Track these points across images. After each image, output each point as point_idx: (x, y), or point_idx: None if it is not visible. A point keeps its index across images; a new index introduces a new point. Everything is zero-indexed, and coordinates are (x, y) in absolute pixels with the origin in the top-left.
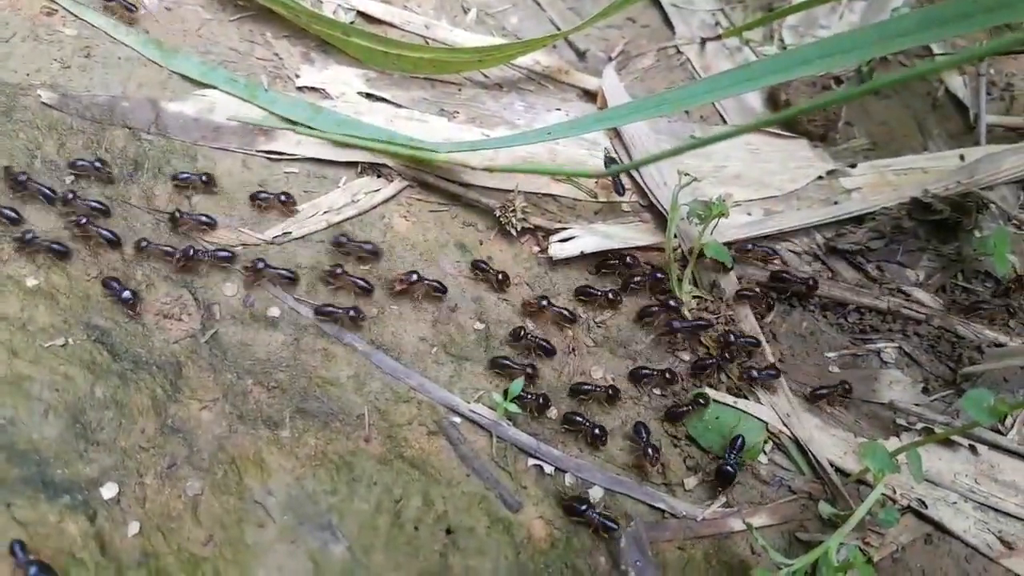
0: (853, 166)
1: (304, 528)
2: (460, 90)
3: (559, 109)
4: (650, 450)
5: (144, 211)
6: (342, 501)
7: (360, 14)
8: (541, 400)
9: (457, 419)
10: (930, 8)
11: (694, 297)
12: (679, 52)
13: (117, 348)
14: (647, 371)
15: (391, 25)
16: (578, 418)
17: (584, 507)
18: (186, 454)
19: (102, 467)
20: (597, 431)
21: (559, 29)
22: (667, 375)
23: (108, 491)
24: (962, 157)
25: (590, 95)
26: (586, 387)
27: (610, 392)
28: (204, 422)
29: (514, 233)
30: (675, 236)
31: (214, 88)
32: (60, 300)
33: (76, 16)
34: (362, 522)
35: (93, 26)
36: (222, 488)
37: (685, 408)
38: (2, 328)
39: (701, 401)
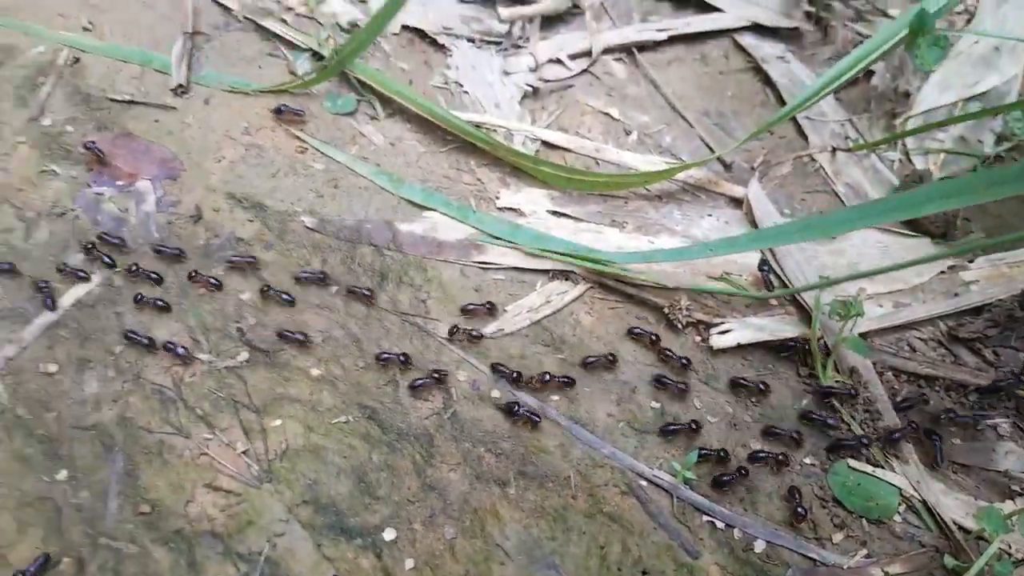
0: (971, 261)
1: (534, 566)
2: (627, 202)
3: (710, 215)
4: (800, 509)
5: (391, 312)
6: (560, 546)
7: (543, 143)
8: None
9: (643, 482)
10: None
11: (836, 382)
12: (813, 160)
13: (384, 424)
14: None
15: (568, 150)
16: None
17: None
18: (441, 506)
19: (382, 516)
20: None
21: (708, 145)
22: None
23: (388, 535)
24: None
25: (736, 201)
26: (760, 454)
27: (780, 458)
28: (452, 481)
29: (680, 327)
30: (818, 329)
31: (434, 210)
32: (339, 386)
33: (323, 153)
34: (577, 563)
35: (337, 161)
36: (470, 533)
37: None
38: (298, 408)
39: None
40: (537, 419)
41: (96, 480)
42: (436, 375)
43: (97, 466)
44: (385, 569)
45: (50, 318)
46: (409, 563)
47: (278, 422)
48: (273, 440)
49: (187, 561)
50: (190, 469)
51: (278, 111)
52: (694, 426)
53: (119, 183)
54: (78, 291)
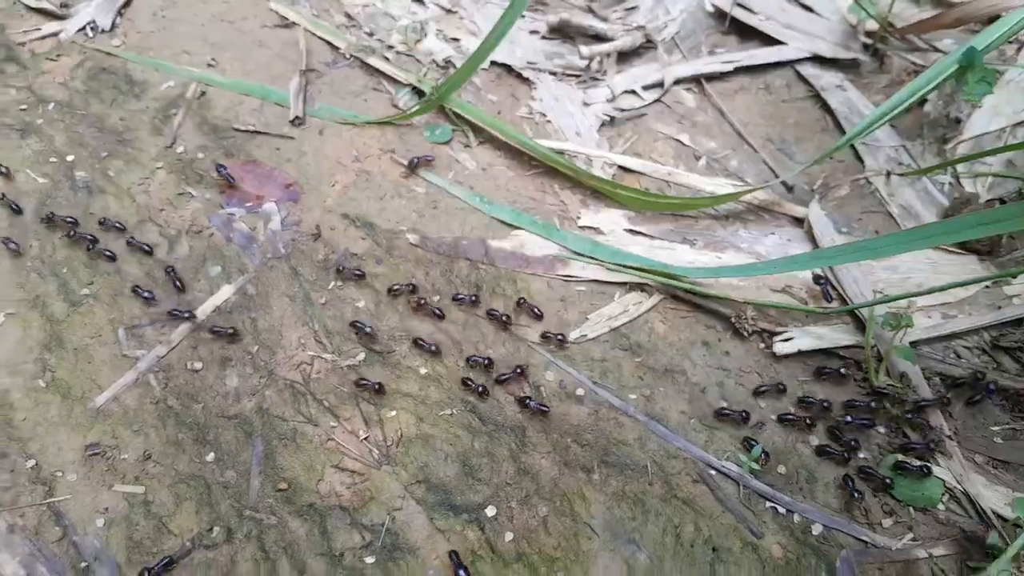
0: (1014, 276)
1: (618, 541)
2: (697, 221)
3: (774, 233)
4: (855, 494)
5: (486, 320)
6: (640, 525)
7: (620, 167)
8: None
9: (713, 472)
10: None
11: (888, 385)
12: (869, 183)
13: (484, 416)
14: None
15: (642, 174)
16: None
17: None
18: (535, 488)
19: (484, 496)
20: (854, 442)
21: (771, 168)
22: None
23: (490, 511)
24: None
25: (798, 221)
26: (828, 449)
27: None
28: (543, 467)
29: (745, 334)
30: (872, 339)
31: (522, 229)
32: (443, 383)
33: (423, 178)
34: (655, 540)
35: (435, 185)
36: (561, 512)
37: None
38: (409, 402)
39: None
40: (546, 409)
41: (240, 461)
42: (518, 369)
43: (240, 450)
44: (488, 540)
45: (195, 322)
46: (508, 536)
47: (393, 413)
48: (389, 429)
49: (319, 530)
50: (320, 453)
51: (412, 164)
52: (745, 415)
53: (248, 204)
54: (217, 299)
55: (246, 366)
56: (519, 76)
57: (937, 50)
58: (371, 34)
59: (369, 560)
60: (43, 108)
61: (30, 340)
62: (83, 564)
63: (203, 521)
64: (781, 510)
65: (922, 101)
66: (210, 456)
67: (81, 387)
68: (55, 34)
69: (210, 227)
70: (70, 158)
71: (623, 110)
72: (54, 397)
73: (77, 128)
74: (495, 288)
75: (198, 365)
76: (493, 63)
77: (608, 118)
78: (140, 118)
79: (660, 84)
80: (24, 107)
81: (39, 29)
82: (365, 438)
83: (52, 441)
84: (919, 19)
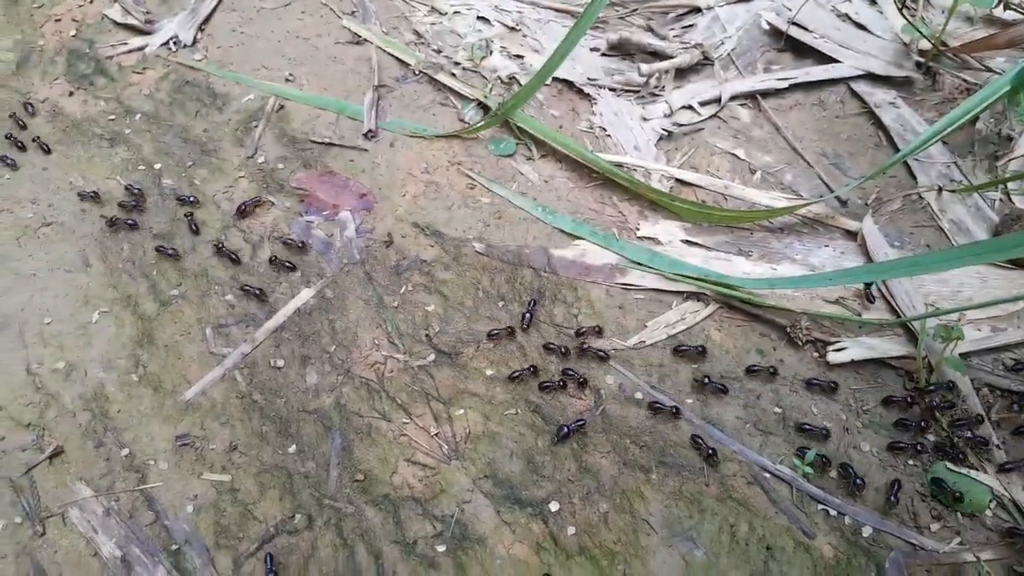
0: None
1: (676, 538)
2: (752, 234)
3: (827, 246)
4: (892, 498)
5: (549, 326)
6: (696, 523)
7: (677, 180)
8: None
9: (767, 474)
10: None
11: (931, 387)
12: (921, 198)
13: (546, 416)
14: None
15: (699, 187)
16: (849, 469)
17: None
18: (595, 486)
19: (548, 491)
20: (859, 481)
21: (825, 183)
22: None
23: (553, 506)
24: None
25: (851, 234)
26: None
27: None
28: (603, 466)
29: (799, 344)
30: (923, 350)
31: (582, 239)
32: (508, 384)
33: (488, 189)
34: (711, 537)
35: (500, 196)
36: (620, 509)
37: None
38: (476, 402)
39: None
40: (583, 422)
41: (319, 453)
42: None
43: (319, 443)
44: (551, 533)
45: (277, 321)
46: (571, 530)
47: (461, 411)
48: (458, 426)
49: (394, 520)
50: (393, 447)
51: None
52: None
53: (325, 213)
54: (297, 301)
55: (325, 364)
56: (580, 92)
57: (990, 69)
58: (439, 51)
59: (440, 549)
60: (131, 119)
61: (123, 337)
62: (174, 547)
63: (286, 508)
64: (832, 512)
65: (974, 119)
66: (292, 448)
67: (171, 381)
68: (141, 48)
69: (290, 233)
70: (157, 166)
71: (680, 125)
72: (146, 390)
73: (163, 138)
74: (556, 295)
75: (280, 363)
76: (555, 79)
77: (666, 132)
78: (223, 129)
79: (717, 100)
80: (113, 117)
81: (126, 44)
82: (435, 434)
83: (145, 432)
84: (972, 39)
